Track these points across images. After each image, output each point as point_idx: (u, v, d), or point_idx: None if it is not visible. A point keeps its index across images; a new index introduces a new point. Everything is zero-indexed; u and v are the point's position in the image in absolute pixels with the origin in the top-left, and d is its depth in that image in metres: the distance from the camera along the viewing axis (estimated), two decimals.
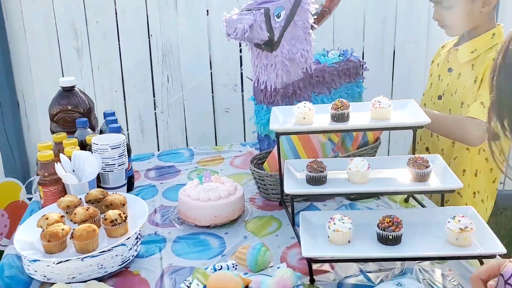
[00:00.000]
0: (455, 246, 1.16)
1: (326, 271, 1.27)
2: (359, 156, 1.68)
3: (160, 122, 3.27)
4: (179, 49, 3.15)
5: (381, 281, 1.19)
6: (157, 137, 3.30)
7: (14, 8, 2.94)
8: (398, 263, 1.25)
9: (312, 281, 1.22)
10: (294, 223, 1.44)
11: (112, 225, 1.31)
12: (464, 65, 1.80)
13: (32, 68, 3.10)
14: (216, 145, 3.34)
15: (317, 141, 1.63)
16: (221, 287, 1.11)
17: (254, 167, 1.67)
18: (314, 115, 1.47)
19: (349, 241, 1.20)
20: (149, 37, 3.11)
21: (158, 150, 3.28)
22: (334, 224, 1.19)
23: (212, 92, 3.25)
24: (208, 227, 1.50)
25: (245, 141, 3.36)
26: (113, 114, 1.85)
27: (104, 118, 1.86)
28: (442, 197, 1.38)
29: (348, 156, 1.66)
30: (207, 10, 3.09)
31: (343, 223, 1.19)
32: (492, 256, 1.12)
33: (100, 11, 3.00)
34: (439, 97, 1.89)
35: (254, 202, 1.65)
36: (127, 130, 3.19)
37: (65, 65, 3.13)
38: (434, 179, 1.32)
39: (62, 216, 1.36)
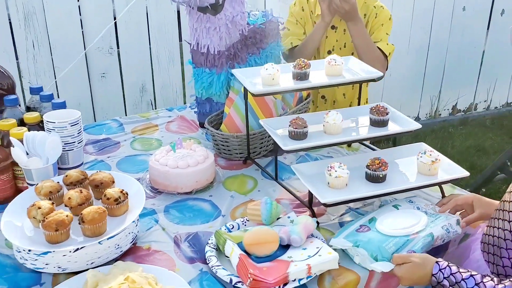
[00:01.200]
0: (428, 175, 1.42)
1: (322, 214, 1.43)
2: (300, 110, 1.85)
3: (28, 94, 2.95)
4: (44, 11, 2.86)
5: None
6: None
7: None
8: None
9: (317, 223, 1.37)
10: (277, 177, 1.56)
11: (117, 204, 1.26)
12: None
13: None
14: (95, 114, 3.18)
15: (270, 101, 1.74)
16: (262, 240, 1.20)
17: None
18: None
19: (346, 184, 1.38)
20: None
21: None
22: (336, 171, 1.35)
23: (86, 57, 3.05)
24: (189, 193, 1.53)
25: (125, 107, 3.27)
26: (41, 88, 1.69)
27: (32, 94, 1.69)
28: (394, 139, 1.63)
29: (294, 112, 1.81)
30: None
31: (343, 169, 1.36)
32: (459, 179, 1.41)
33: None
34: (329, 52, 2.13)
35: (217, 164, 1.70)
36: None
37: None
38: (393, 124, 1.55)
39: (52, 203, 1.26)
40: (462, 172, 1.40)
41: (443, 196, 1.48)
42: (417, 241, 1.23)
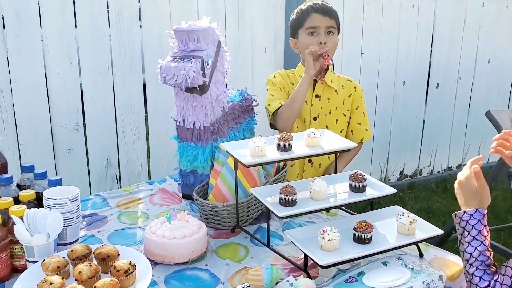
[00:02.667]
0: (407, 235, 1.56)
1: (315, 276, 1.53)
2: (279, 179, 1.98)
3: None
4: (11, 89, 2.91)
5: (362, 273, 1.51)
6: None
7: None
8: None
9: None
10: (269, 244, 1.65)
11: (127, 275, 1.31)
12: (330, 91, 2.28)
13: None
14: None
15: (254, 171, 1.86)
16: None
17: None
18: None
19: (337, 247, 1.50)
20: None
21: None
22: (328, 234, 1.47)
23: (52, 134, 3.08)
24: (186, 263, 1.58)
25: (89, 181, 3.28)
26: (33, 167, 1.73)
27: (24, 172, 1.72)
28: (371, 203, 1.78)
29: (274, 181, 1.94)
30: (43, 50, 2.93)
31: (334, 232, 1.48)
32: (435, 236, 1.57)
33: None
34: (315, 118, 2.31)
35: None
36: None
37: None
38: (370, 189, 1.71)
39: (63, 278, 1.29)
40: (436, 230, 1.57)
41: (420, 252, 1.63)
42: None
